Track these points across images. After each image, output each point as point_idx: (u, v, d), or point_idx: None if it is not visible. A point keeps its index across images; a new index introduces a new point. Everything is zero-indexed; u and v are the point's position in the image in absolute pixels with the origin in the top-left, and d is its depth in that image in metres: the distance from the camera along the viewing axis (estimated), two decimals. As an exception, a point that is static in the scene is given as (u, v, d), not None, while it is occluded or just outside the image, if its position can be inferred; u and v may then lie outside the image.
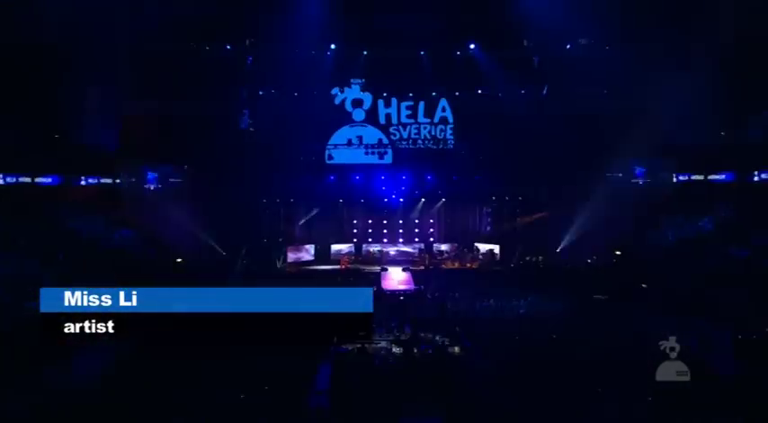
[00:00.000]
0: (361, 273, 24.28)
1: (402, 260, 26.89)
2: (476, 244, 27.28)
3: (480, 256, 26.51)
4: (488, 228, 27.89)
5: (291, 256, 25.84)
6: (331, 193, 26.62)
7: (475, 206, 27.75)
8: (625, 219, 22.42)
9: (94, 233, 21.21)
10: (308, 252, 26.66)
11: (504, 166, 25.16)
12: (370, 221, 28.22)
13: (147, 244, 22.27)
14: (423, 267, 25.50)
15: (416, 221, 28.28)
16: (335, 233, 27.50)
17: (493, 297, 18.63)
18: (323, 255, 26.69)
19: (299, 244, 26.57)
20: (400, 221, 28.25)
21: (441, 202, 27.87)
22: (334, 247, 27.00)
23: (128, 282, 16.95)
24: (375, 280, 22.95)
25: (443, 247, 27.50)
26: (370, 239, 28.11)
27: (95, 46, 18.43)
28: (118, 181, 23.27)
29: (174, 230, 22.29)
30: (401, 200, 27.84)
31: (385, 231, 28.28)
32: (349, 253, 27.02)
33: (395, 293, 21.01)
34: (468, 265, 25.85)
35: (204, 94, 21.95)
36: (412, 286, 22.34)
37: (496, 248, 26.40)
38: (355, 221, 28.30)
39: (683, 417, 9.11)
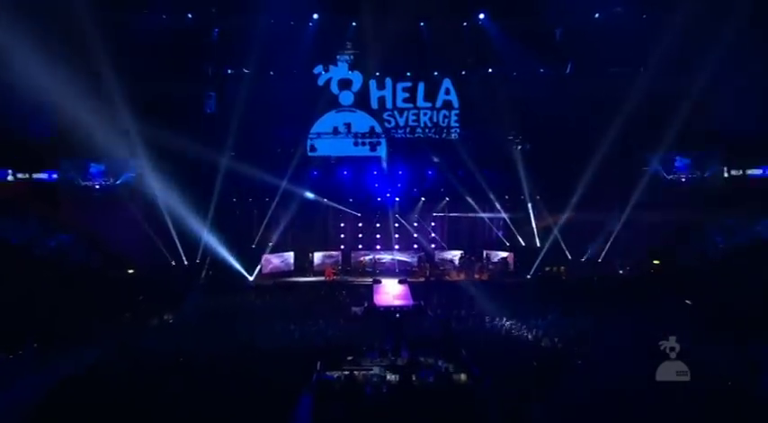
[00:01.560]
0: (350, 285, 24.06)
1: (398, 270, 26.87)
2: (486, 251, 27.20)
3: (491, 266, 26.36)
4: (501, 232, 27.80)
5: (267, 267, 25.69)
6: (314, 191, 26.46)
7: (485, 207, 27.43)
8: (665, 221, 22.38)
9: (25, 238, 20.90)
10: (286, 261, 26.50)
11: (519, 159, 25.11)
12: (360, 225, 28.13)
13: (91, 251, 22.00)
14: (423, 279, 25.45)
15: (415, 225, 28.21)
16: (319, 239, 27.43)
17: (506, 315, 18.37)
18: (304, 264, 26.62)
19: (275, 251, 26.31)
20: (396, 225, 28.10)
21: (444, 202, 27.82)
22: (318, 256, 26.86)
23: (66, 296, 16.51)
24: (366, 294, 22.85)
25: (447, 255, 27.48)
26: (360, 246, 27.99)
27: (23, 7, 17.82)
28: (55, 176, 23.04)
29: (125, 235, 22.02)
30: (397, 199, 27.79)
31: (378, 236, 28.15)
32: (335, 262, 26.90)
33: (390, 310, 20.84)
34: (477, 276, 25.65)
35: (161, 72, 21.56)
36: (410, 301, 22.20)
37: (510, 257, 26.31)
38: (343, 225, 28.17)
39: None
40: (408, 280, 24.94)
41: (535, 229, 26.44)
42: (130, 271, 22.20)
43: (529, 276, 24.74)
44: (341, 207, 27.43)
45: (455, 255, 27.39)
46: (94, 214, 22.24)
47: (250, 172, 24.46)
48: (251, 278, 24.42)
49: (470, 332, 17.30)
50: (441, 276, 25.76)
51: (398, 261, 27.48)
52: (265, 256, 25.81)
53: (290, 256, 26.64)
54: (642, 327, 15.12)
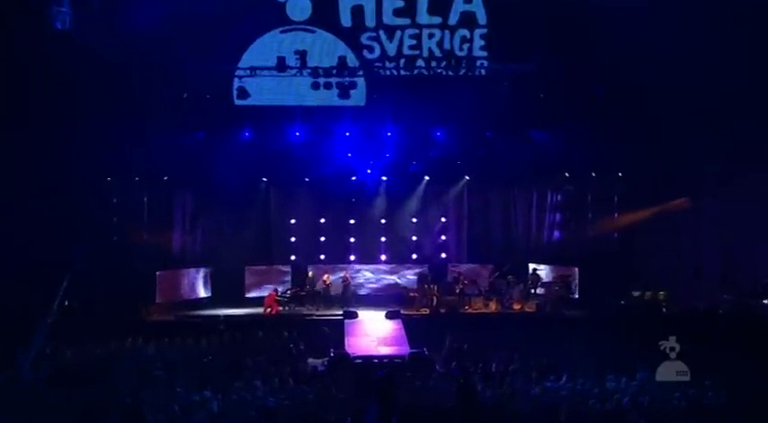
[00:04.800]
0: (306, 322, 23.84)
1: (385, 297, 26.94)
2: (532, 265, 26.83)
3: (540, 290, 25.89)
4: (556, 234, 27.49)
5: (164, 291, 25.37)
6: (245, 166, 25.89)
7: (529, 192, 27.69)
8: None
9: None
10: (198, 283, 26.45)
11: (588, 111, 24.02)
12: (322, 221, 27.97)
13: None
14: (426, 311, 25.11)
15: (414, 221, 27.97)
16: (254, 244, 27.40)
17: (566, 371, 17.31)
18: (229, 288, 26.49)
19: (180, 265, 26.21)
20: (382, 221, 27.95)
21: (462, 184, 27.78)
22: (252, 272, 26.81)
23: None
24: (333, 336, 22.48)
25: (467, 271, 27.06)
26: (322, 256, 27.86)
27: None
28: None
29: None
30: (384, 179, 27.59)
31: (352, 241, 28.06)
32: (281, 284, 26.74)
33: (372, 362, 20.50)
34: (517, 306, 25.26)
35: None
36: (405, 348, 21.80)
37: (573, 274, 25.90)
38: (294, 221, 27.95)
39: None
40: (403, 313, 24.58)
41: (614, 228, 26.08)
42: None
43: (604, 307, 24.18)
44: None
45: (481, 271, 27.15)
46: None
47: (136, 132, 23.75)
48: (139, 311, 23.89)
49: (507, 400, 15.91)
50: (456, 306, 25.26)
51: (386, 281, 27.61)
52: (161, 274, 25.37)
53: (205, 273, 26.53)
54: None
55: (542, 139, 25.51)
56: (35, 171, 22.56)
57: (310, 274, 26.83)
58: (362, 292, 27.09)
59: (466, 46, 25.03)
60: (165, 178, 25.53)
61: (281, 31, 24.94)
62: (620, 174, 25.39)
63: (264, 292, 25.98)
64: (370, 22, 24.99)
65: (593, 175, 25.92)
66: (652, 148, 23.88)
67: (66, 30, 21.95)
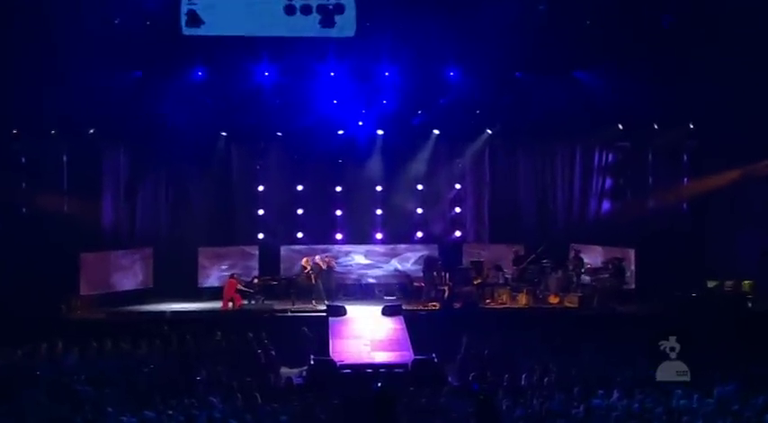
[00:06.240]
0: (279, 320, 23.85)
1: (382, 287, 27.29)
2: (574, 246, 26.79)
3: (585, 278, 25.80)
4: (606, 205, 27.66)
5: (91, 280, 25.47)
6: (197, 115, 25.88)
7: (571, 150, 27.73)
8: None
9: None
10: (136, 269, 26.57)
11: (651, 44, 23.35)
12: (300, 189, 28.14)
13: None
14: (436, 306, 25.01)
15: (419, 189, 28.06)
16: (210, 221, 27.62)
17: (620, 384, 17.08)
18: (178, 275, 26.70)
19: (112, 248, 26.39)
20: (378, 189, 28.15)
21: (483, 140, 27.54)
22: (208, 255, 27.17)
23: None
24: (315, 338, 22.47)
25: (489, 253, 27.42)
26: (300, 235, 28.18)
27: None
28: None
29: None
30: (380, 132, 27.48)
31: (339, 214, 28.29)
32: (245, 270, 26.88)
33: (364, 372, 20.43)
34: (554, 299, 25.19)
35: None
36: (407, 355, 21.67)
37: (629, 258, 25.78)
38: (262, 188, 28.16)
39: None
40: (404, 308, 24.42)
41: (683, 197, 26.52)
42: None
43: (669, 301, 23.97)
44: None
45: (507, 253, 27.01)
46: None
47: (51, 70, 23.04)
48: (57, 307, 23.74)
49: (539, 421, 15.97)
50: (475, 300, 25.04)
51: (384, 267, 27.78)
52: (87, 258, 25.36)
53: (145, 255, 26.57)
54: None
55: (589, 81, 25.28)
56: None
57: (304, 259, 26.40)
58: (352, 281, 27.14)
59: (488, -44, 23.96)
60: (92, 131, 25.24)
61: (244, -59, 24.19)
62: (691, 125, 25.33)
63: (223, 280, 25.79)
64: (360, -76, 23.94)
65: (656, 127, 25.70)
66: (734, 91, 22.98)
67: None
